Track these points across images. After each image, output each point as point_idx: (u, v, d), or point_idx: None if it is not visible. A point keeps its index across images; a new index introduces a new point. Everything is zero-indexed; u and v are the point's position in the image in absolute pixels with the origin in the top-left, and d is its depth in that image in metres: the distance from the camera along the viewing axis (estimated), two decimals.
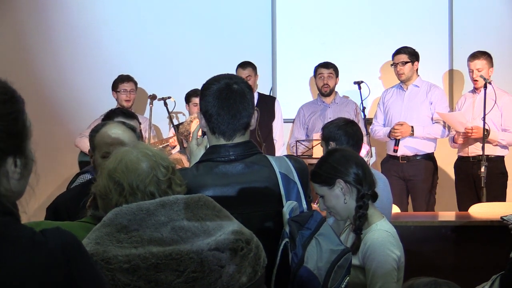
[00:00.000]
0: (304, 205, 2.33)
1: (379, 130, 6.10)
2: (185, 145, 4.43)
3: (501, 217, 4.09)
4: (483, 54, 5.82)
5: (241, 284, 1.82)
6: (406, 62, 6.00)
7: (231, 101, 2.32)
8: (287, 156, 2.46)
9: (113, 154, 2.04)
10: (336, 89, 6.42)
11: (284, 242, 2.20)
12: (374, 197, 2.94)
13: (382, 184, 3.78)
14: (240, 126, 2.34)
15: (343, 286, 2.24)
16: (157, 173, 1.96)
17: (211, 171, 2.29)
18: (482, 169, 5.38)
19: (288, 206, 2.25)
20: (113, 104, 6.37)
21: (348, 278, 2.27)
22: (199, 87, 7.21)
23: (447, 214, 5.49)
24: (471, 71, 5.86)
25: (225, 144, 2.33)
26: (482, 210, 5.09)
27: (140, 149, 2.01)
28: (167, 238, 1.80)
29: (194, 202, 1.89)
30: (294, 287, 2.19)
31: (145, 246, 1.78)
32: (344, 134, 3.71)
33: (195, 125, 4.41)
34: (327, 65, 6.34)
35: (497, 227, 4.32)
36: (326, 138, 3.77)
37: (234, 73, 6.46)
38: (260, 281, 1.89)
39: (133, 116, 3.92)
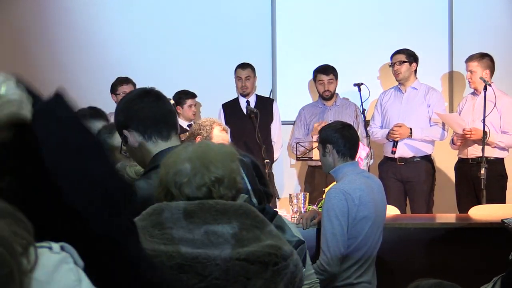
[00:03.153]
0: (254, 199, 2.34)
1: (376, 132, 6.10)
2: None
3: (502, 220, 4.08)
4: (478, 56, 5.83)
5: None
6: (404, 62, 6.01)
7: (156, 103, 2.34)
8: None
9: (175, 148, 2.03)
10: (336, 91, 6.41)
11: None
12: None
13: (377, 188, 3.80)
14: (173, 125, 2.35)
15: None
16: (195, 178, 1.90)
17: None
18: (482, 171, 5.37)
19: (240, 199, 2.29)
20: (113, 105, 6.36)
21: (304, 269, 2.28)
22: (199, 89, 7.17)
23: (447, 216, 5.49)
24: (467, 73, 5.90)
25: (172, 147, 2.28)
26: (482, 212, 5.09)
27: (194, 150, 1.95)
28: (198, 240, 1.79)
29: (233, 210, 1.86)
30: None
31: (174, 244, 1.77)
32: (341, 137, 3.76)
33: (218, 131, 4.33)
34: (326, 70, 6.29)
35: (497, 229, 4.32)
36: (323, 141, 3.81)
37: (233, 73, 6.48)
38: None
39: (100, 116, 3.69)
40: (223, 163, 1.93)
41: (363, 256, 3.68)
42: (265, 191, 2.44)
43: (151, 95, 2.35)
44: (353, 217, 3.62)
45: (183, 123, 6.18)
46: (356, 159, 4.77)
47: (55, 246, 1.19)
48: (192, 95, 6.43)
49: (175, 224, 1.81)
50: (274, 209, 2.31)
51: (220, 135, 4.37)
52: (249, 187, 2.34)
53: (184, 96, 6.39)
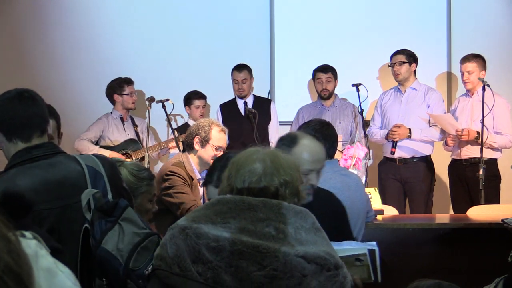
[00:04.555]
0: (110, 196, 2.44)
1: (376, 132, 6.10)
2: (196, 147, 4.36)
3: (502, 220, 4.08)
4: (475, 57, 5.84)
5: None
6: (403, 63, 6.01)
7: (24, 106, 2.44)
8: (93, 154, 2.62)
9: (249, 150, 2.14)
10: (335, 91, 6.40)
11: (84, 227, 2.30)
12: None
13: (354, 186, 3.78)
14: (36, 128, 2.46)
15: (151, 268, 2.26)
16: (266, 178, 2.00)
17: (23, 172, 2.39)
18: (481, 172, 5.37)
19: (86, 194, 2.35)
20: (111, 106, 6.35)
21: None
22: (198, 89, 7.16)
23: (446, 217, 5.49)
24: (462, 74, 5.89)
25: (26, 147, 2.43)
26: (481, 213, 5.09)
27: (266, 153, 2.06)
28: (259, 233, 1.88)
29: (295, 212, 1.95)
30: (95, 266, 2.29)
31: (237, 233, 1.86)
32: (321, 137, 3.72)
33: (216, 132, 4.35)
34: (325, 69, 6.31)
35: (496, 229, 4.31)
36: None
37: (230, 75, 6.46)
38: None
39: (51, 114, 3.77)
40: (291, 170, 2.05)
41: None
42: (125, 189, 2.57)
43: (22, 98, 2.46)
44: None
45: (191, 123, 6.19)
46: (353, 161, 4.78)
47: (27, 234, 1.27)
48: (200, 96, 6.44)
49: (238, 215, 1.90)
50: (127, 203, 2.38)
51: (219, 135, 4.37)
52: (107, 182, 2.45)
53: (192, 96, 6.44)
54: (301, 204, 2.44)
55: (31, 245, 1.29)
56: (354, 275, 2.97)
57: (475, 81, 5.79)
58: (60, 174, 2.40)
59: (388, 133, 5.92)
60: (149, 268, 2.22)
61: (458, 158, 5.88)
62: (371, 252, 2.97)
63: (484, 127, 5.54)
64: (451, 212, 5.97)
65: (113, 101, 6.33)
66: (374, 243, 3.03)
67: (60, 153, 2.50)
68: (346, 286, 1.94)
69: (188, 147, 4.44)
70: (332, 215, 3.21)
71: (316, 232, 1.95)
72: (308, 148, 2.92)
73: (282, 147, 2.91)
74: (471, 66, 5.81)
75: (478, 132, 5.60)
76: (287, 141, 2.94)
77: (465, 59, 5.87)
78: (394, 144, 5.88)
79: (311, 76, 6.46)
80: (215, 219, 1.89)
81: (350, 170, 4.69)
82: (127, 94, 6.26)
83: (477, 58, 5.84)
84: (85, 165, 2.44)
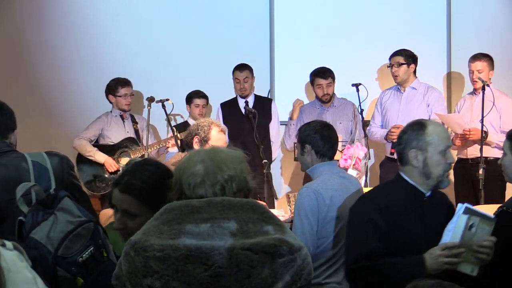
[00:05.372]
0: (53, 189, 2.62)
1: (376, 131, 6.09)
2: (195, 146, 4.36)
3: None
4: (485, 56, 5.83)
5: None
6: (402, 64, 6.00)
7: None
8: (46, 151, 2.78)
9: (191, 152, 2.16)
10: (334, 91, 6.38)
11: (18, 220, 2.35)
12: None
13: (354, 189, 3.78)
14: None
15: (85, 255, 2.28)
16: (209, 177, 2.01)
17: None
18: (480, 171, 5.37)
19: (21, 187, 2.42)
20: (110, 106, 6.35)
21: (92, 248, 2.30)
22: (198, 89, 7.13)
23: None
24: (471, 72, 5.87)
25: None
26: None
27: (205, 152, 2.07)
28: (203, 233, 1.88)
29: (240, 205, 1.95)
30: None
31: (181, 238, 1.87)
32: (321, 138, 3.75)
33: (216, 132, 4.35)
34: (324, 73, 6.22)
35: None
36: (302, 141, 3.81)
37: (230, 75, 6.46)
38: None
39: None
40: (234, 164, 2.04)
41: (334, 256, 3.64)
42: (74, 183, 2.75)
43: None
44: (323, 217, 3.60)
45: (191, 122, 6.19)
46: (353, 160, 4.77)
47: (8, 243, 1.24)
48: (201, 95, 6.44)
49: (184, 220, 1.91)
50: (65, 193, 2.43)
51: (218, 136, 4.36)
52: (52, 176, 2.62)
53: (193, 95, 6.45)
54: (440, 189, 2.91)
55: (9, 256, 1.26)
56: (483, 242, 3.00)
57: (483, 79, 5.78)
58: (5, 172, 2.61)
59: (387, 133, 5.91)
60: (84, 255, 2.24)
61: (465, 157, 5.88)
62: (468, 210, 3.02)
63: (484, 126, 5.54)
64: None
65: (110, 101, 6.35)
66: (459, 205, 3.08)
67: (10, 151, 2.69)
68: (306, 268, 1.94)
69: (187, 147, 4.43)
70: (445, 210, 3.33)
71: (267, 221, 1.94)
72: (437, 128, 3.20)
73: (413, 133, 3.25)
74: (481, 65, 5.80)
75: (485, 132, 5.60)
76: (417, 127, 3.24)
77: (476, 58, 5.85)
78: (394, 145, 5.88)
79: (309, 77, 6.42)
80: (162, 228, 1.91)
81: (350, 170, 4.69)
82: (120, 96, 6.25)
83: (487, 57, 5.84)
84: (31, 161, 2.62)
